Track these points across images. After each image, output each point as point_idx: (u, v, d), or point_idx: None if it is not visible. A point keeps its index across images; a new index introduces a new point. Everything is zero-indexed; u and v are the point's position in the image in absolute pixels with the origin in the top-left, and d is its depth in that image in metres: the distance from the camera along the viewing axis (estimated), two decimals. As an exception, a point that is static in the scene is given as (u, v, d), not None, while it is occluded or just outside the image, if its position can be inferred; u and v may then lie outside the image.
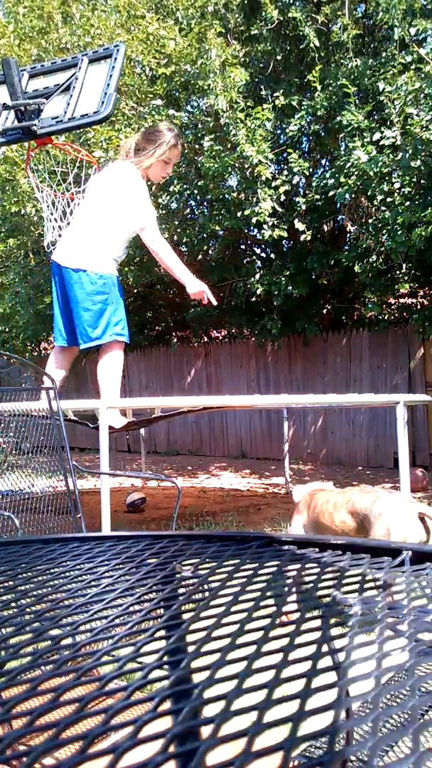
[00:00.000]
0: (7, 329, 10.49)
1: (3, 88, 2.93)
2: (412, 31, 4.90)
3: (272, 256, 7.40)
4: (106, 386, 3.30)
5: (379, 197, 5.20)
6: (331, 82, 5.48)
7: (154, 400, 3.04)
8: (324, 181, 5.62)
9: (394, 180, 5.01)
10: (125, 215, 3.20)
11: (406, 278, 6.21)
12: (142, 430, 6.49)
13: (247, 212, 5.56)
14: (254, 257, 7.69)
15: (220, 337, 9.20)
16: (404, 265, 6.09)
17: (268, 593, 0.42)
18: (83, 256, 3.16)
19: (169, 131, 3.29)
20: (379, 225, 5.46)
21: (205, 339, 9.18)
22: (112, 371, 3.32)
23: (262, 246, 7.52)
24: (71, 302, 3.20)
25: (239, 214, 5.77)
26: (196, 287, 3.23)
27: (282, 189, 5.62)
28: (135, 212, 3.18)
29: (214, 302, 3.33)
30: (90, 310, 3.18)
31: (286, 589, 0.43)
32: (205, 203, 6.84)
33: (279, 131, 6.20)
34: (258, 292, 6.36)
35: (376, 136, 5.14)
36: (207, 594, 0.42)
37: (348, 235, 6.84)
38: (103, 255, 3.19)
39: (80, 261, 3.15)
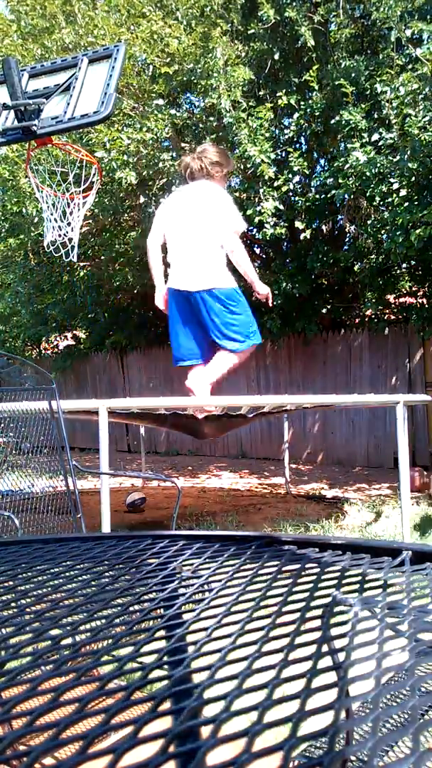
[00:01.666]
0: (7, 329, 10.51)
1: (3, 88, 2.93)
2: (408, 32, 4.90)
3: (272, 255, 7.40)
4: (210, 375, 3.51)
5: (378, 198, 5.20)
6: (328, 82, 5.48)
7: (154, 400, 3.04)
8: (323, 181, 5.63)
9: (392, 181, 5.01)
10: (221, 227, 3.46)
11: (406, 277, 6.21)
12: (141, 430, 6.50)
13: (249, 212, 5.56)
14: (254, 256, 7.69)
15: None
16: (403, 265, 6.09)
17: (269, 593, 0.42)
18: (209, 276, 3.38)
19: (227, 153, 3.80)
20: (378, 225, 5.46)
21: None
22: (225, 366, 3.52)
23: (262, 245, 7.52)
24: (211, 322, 3.41)
25: (241, 214, 5.78)
26: (264, 289, 3.56)
27: (284, 188, 5.63)
28: (232, 221, 3.48)
29: (271, 303, 3.65)
30: (235, 318, 3.42)
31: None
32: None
33: (278, 131, 6.21)
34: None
35: (375, 137, 5.14)
36: (207, 594, 0.42)
37: (347, 235, 6.84)
38: (223, 269, 3.44)
39: (208, 282, 3.37)
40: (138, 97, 5.75)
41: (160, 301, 3.65)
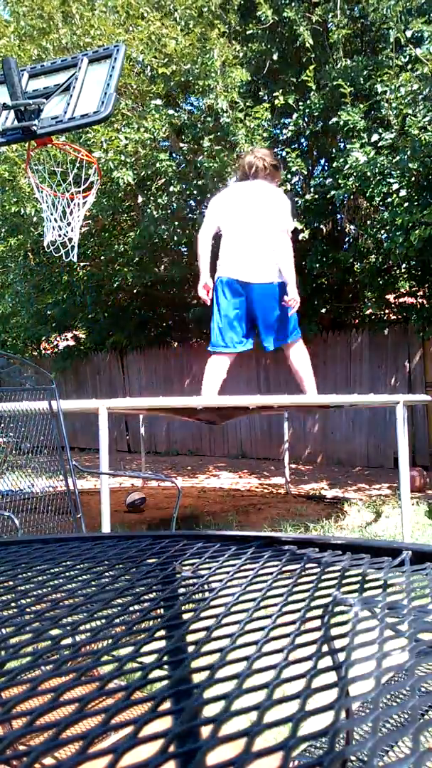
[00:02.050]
0: (7, 329, 10.51)
1: (3, 88, 2.93)
2: (408, 32, 4.90)
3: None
4: (309, 373, 3.92)
5: (378, 198, 5.20)
6: (327, 82, 5.48)
7: (154, 400, 3.04)
8: (322, 182, 5.62)
9: (392, 181, 5.01)
10: (275, 225, 3.68)
11: (405, 276, 6.20)
12: (142, 430, 6.50)
13: None
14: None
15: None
16: (403, 265, 6.09)
17: (269, 593, 0.42)
18: (268, 270, 3.64)
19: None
20: (378, 225, 5.46)
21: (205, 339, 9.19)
22: (309, 359, 3.93)
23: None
24: (266, 311, 3.68)
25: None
26: (297, 295, 3.67)
27: (283, 188, 5.63)
28: (285, 220, 3.71)
29: (291, 312, 3.77)
30: (286, 313, 3.69)
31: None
32: (204, 203, 6.84)
33: (276, 131, 6.21)
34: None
35: (374, 137, 5.14)
36: (208, 594, 0.42)
37: (347, 235, 6.84)
38: (276, 265, 3.65)
39: (270, 275, 3.64)
40: (136, 98, 5.75)
41: (202, 290, 3.81)
